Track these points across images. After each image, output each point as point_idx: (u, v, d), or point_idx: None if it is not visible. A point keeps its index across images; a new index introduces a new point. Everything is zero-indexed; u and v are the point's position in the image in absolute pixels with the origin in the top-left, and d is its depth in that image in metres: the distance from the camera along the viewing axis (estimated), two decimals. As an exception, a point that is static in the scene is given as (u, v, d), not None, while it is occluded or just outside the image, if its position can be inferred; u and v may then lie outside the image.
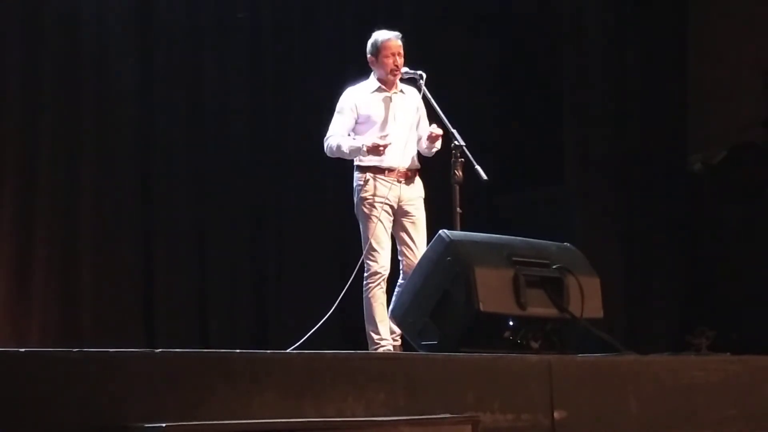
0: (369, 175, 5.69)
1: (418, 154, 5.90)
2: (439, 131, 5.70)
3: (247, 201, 7.65)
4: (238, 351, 3.29)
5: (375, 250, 5.62)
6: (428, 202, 5.93)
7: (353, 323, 5.76)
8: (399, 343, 5.68)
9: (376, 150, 5.60)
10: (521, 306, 4.38)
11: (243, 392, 3.10)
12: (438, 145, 5.82)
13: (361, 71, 5.93)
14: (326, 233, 7.62)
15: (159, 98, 7.30)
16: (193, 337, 7.13)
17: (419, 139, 5.87)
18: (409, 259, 5.71)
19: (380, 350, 5.57)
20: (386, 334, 5.63)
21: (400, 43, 5.77)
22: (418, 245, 5.72)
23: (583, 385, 4.07)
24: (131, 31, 7.20)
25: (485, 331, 4.36)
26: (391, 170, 5.71)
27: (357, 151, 5.67)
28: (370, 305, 5.63)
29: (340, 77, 6.00)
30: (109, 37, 7.09)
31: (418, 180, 5.83)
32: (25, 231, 6.67)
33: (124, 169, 7.12)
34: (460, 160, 5.54)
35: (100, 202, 6.97)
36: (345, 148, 5.70)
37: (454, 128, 5.61)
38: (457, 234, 4.65)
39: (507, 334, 4.42)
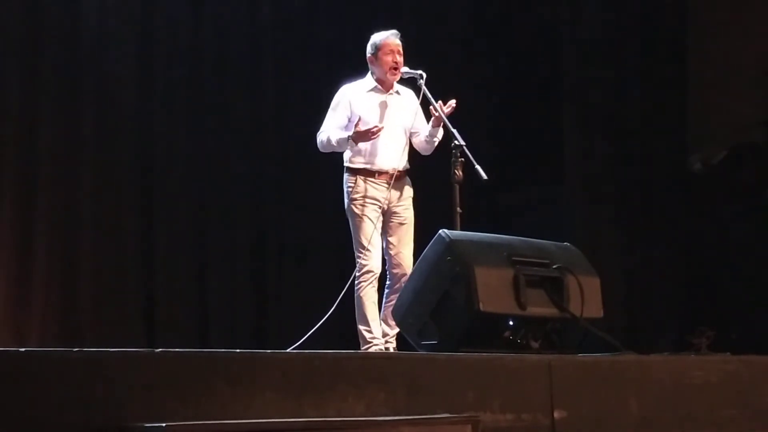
0: (359, 177, 5.69)
1: (414, 152, 5.89)
2: (443, 111, 5.64)
3: (248, 201, 7.65)
4: (238, 351, 3.29)
5: (367, 249, 5.62)
6: (428, 202, 5.93)
7: (353, 323, 5.76)
8: (394, 345, 5.68)
9: (364, 135, 5.58)
10: (521, 306, 4.38)
11: (243, 392, 3.10)
12: (439, 136, 5.80)
13: (360, 72, 5.93)
14: (326, 233, 7.61)
15: (159, 99, 7.30)
16: (193, 337, 7.13)
17: (416, 135, 5.85)
18: (395, 259, 5.72)
19: (372, 349, 5.58)
20: (378, 333, 5.64)
21: (399, 42, 5.77)
22: (405, 246, 5.74)
23: (583, 385, 4.07)
24: (131, 31, 7.19)
25: (485, 331, 4.36)
26: (381, 173, 5.71)
27: (345, 142, 5.66)
28: (362, 304, 5.64)
29: (340, 78, 6.00)
30: (109, 37, 7.09)
31: (407, 180, 5.82)
32: (25, 232, 6.67)
33: (124, 169, 7.12)
34: (460, 159, 5.54)
35: (100, 203, 6.98)
36: (333, 141, 5.69)
37: (454, 128, 5.60)
38: (457, 234, 4.65)
39: (507, 334, 4.42)
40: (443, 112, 5.59)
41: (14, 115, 6.72)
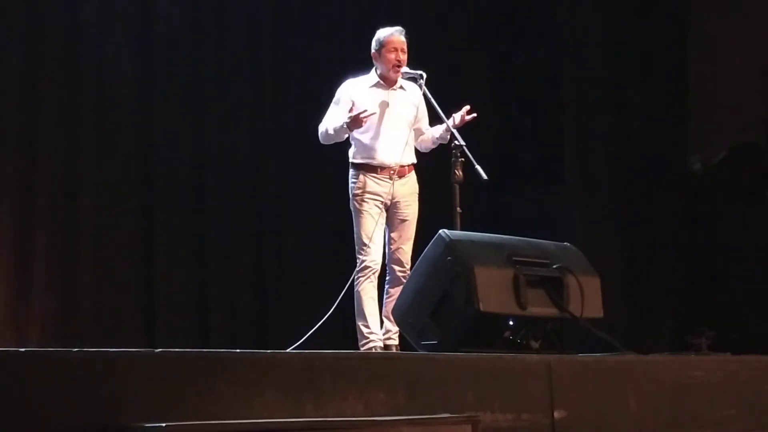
0: (362, 173, 5.71)
1: (416, 149, 5.90)
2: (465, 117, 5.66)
3: (248, 200, 7.65)
4: (238, 351, 3.29)
5: (366, 245, 5.63)
6: (428, 202, 5.93)
7: (353, 323, 5.76)
8: (396, 342, 5.68)
9: (356, 121, 5.59)
10: (521, 306, 4.38)
11: (243, 392, 3.10)
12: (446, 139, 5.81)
13: (360, 71, 5.93)
14: (326, 233, 7.61)
15: (159, 98, 7.29)
16: (193, 337, 7.13)
17: (419, 134, 5.87)
18: (394, 254, 5.73)
19: (369, 344, 5.58)
20: (376, 329, 5.64)
21: (403, 39, 5.77)
22: (405, 242, 5.74)
23: (583, 385, 4.07)
24: (131, 32, 7.19)
25: (485, 331, 4.36)
26: (383, 168, 5.71)
27: (341, 129, 5.68)
28: (360, 299, 5.65)
29: (340, 77, 6.00)
30: (109, 37, 7.08)
31: (412, 176, 5.82)
32: (25, 231, 6.66)
33: (124, 169, 7.12)
34: (460, 159, 5.54)
35: (100, 202, 6.97)
36: (331, 129, 5.71)
37: (454, 127, 5.61)
38: (457, 234, 4.65)
39: (507, 334, 4.42)
40: (462, 120, 5.61)
41: (14, 115, 6.72)
